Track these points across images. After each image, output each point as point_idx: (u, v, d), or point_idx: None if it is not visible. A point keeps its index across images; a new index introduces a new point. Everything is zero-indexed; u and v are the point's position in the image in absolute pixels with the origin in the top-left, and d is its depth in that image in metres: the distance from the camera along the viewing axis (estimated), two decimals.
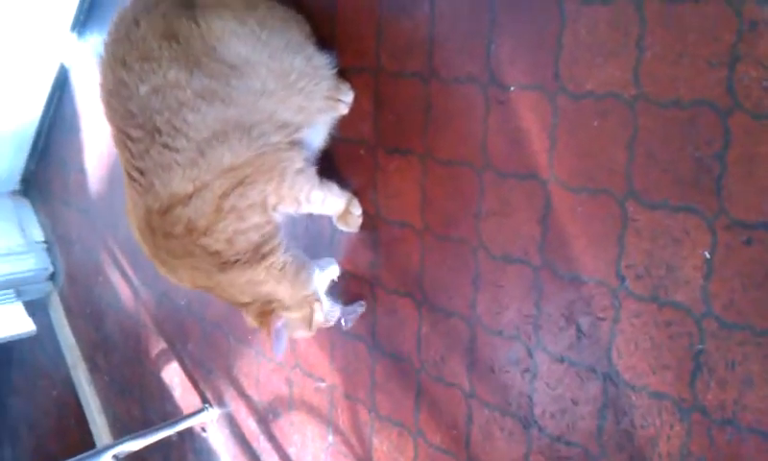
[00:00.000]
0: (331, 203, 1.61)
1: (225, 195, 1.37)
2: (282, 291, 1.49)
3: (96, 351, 3.01)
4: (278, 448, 2.05)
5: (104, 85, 1.40)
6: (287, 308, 1.51)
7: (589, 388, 1.29)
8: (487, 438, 1.47)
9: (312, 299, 1.53)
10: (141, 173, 1.37)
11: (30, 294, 3.19)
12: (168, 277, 1.48)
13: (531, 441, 1.39)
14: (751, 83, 1.03)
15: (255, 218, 1.42)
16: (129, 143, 1.37)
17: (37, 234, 3.24)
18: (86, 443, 3.11)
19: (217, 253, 1.40)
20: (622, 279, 1.21)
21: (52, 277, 3.23)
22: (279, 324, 1.49)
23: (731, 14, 1.03)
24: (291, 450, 2.01)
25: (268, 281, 1.47)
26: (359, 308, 1.69)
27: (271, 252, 1.45)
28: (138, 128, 1.34)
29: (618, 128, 1.18)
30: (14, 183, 3.29)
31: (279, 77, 1.43)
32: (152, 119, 1.33)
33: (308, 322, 1.55)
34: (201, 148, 1.35)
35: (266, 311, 1.50)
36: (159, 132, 1.34)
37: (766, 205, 1.03)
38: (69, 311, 3.17)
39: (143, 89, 1.33)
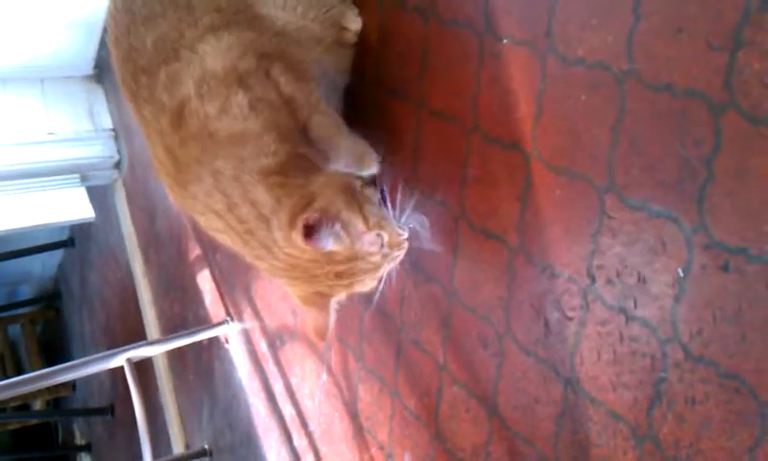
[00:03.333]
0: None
1: (232, 69, 1.22)
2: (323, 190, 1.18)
3: (149, 244, 3.10)
4: (283, 374, 2.05)
5: (116, 57, 1.36)
6: (320, 197, 1.16)
7: (551, 389, 1.16)
8: (453, 415, 1.38)
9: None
10: (152, 102, 1.29)
11: (94, 180, 3.29)
12: (188, 205, 1.30)
13: (492, 430, 1.29)
14: (751, 77, 0.83)
15: (271, 94, 1.24)
16: (139, 90, 1.30)
17: (106, 122, 3.29)
18: (142, 329, 3.26)
19: (242, 133, 1.20)
20: (593, 279, 1.06)
21: (117, 165, 3.31)
22: (308, 216, 1.10)
23: None
24: (293, 380, 2.00)
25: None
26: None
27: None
28: (145, 73, 1.29)
29: (605, 107, 1.00)
30: (88, 68, 3.33)
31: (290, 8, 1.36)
32: (159, 55, 1.28)
33: (355, 208, 1.16)
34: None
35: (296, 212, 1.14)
36: (167, 60, 1.27)
37: (750, 230, 0.85)
38: (130, 201, 3.26)
39: (149, 41, 1.29)
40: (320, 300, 1.23)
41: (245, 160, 1.19)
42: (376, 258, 1.19)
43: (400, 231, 1.22)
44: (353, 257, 1.16)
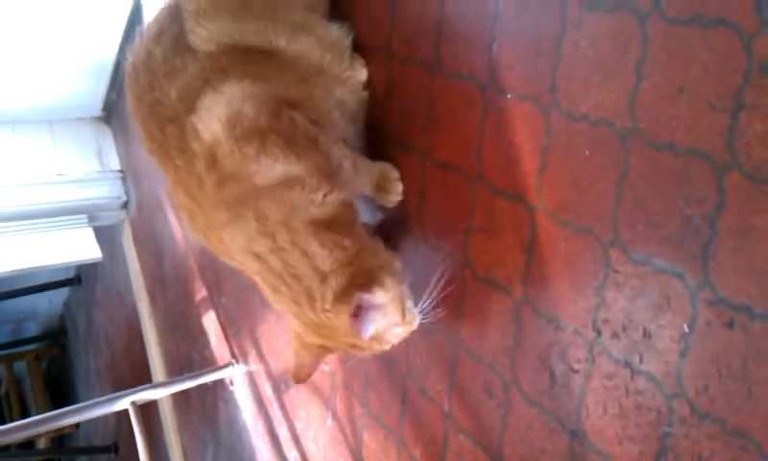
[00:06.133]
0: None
1: (261, 112, 1.26)
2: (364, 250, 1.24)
3: (155, 285, 3.11)
4: (288, 418, 2.04)
5: (138, 113, 1.39)
6: (379, 282, 1.18)
7: (557, 441, 1.16)
8: None
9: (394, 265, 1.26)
10: (183, 151, 1.31)
11: (102, 220, 3.32)
12: (221, 247, 1.33)
13: None
14: (753, 138, 0.84)
15: (300, 136, 1.28)
16: (167, 140, 1.33)
17: (114, 163, 3.34)
18: (147, 367, 3.25)
19: (285, 175, 1.24)
20: (598, 332, 1.06)
21: (125, 205, 3.33)
22: (366, 298, 1.16)
23: (739, 50, 0.84)
24: (297, 424, 1.99)
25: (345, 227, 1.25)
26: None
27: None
28: (173, 122, 1.31)
29: (609, 163, 1.01)
30: (96, 110, 3.38)
31: (302, 56, 1.38)
32: (184, 104, 1.30)
33: (399, 301, 1.21)
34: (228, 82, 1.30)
35: (352, 285, 1.18)
36: (190, 109, 1.29)
37: (754, 288, 0.86)
38: (137, 242, 3.28)
39: (173, 94, 1.32)
40: (318, 351, 1.31)
41: (294, 207, 1.22)
42: (389, 345, 1.27)
43: (417, 321, 1.28)
44: (375, 338, 1.22)
